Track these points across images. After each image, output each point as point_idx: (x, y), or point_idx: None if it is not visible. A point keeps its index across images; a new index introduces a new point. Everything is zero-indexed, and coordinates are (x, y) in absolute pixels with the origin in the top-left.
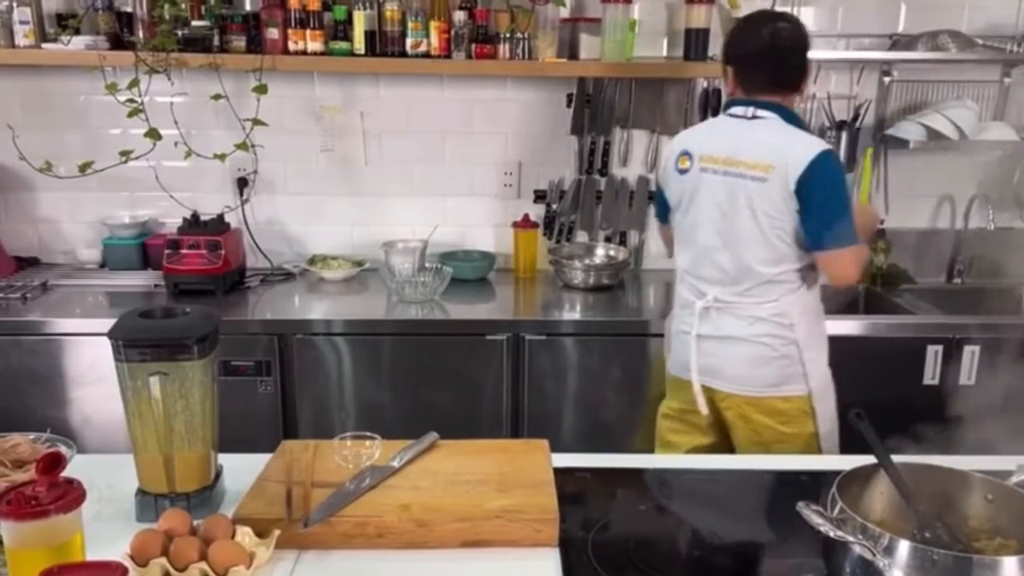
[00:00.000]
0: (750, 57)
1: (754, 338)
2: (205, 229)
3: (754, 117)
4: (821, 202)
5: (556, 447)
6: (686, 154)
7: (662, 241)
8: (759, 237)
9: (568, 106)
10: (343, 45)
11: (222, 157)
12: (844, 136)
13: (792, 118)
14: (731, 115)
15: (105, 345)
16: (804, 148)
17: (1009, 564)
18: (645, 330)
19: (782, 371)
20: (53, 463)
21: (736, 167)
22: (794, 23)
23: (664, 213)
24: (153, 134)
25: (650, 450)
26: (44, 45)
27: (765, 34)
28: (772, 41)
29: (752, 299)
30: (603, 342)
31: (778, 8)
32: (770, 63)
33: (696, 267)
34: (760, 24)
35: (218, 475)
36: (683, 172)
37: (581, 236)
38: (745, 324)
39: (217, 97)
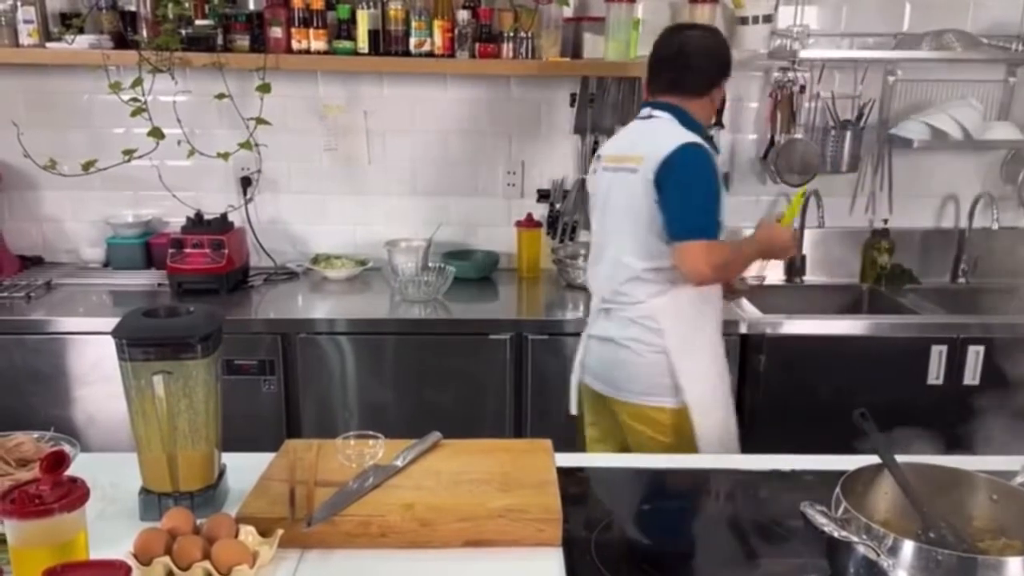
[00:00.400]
0: (657, 62)
1: (623, 341)
2: (209, 228)
3: (649, 116)
4: (675, 191)
5: (559, 447)
6: (597, 157)
7: None
8: (628, 228)
9: (571, 105)
10: (347, 44)
11: (225, 156)
12: (848, 135)
13: (687, 120)
14: (638, 118)
15: (108, 344)
16: (671, 140)
17: (1014, 564)
18: None
19: (650, 380)
20: (57, 462)
21: (620, 162)
22: (709, 33)
23: None
24: (156, 133)
25: None
26: (48, 44)
27: (675, 41)
28: (679, 47)
29: (625, 298)
30: None
31: (781, 7)
32: (674, 67)
33: (596, 266)
34: (674, 32)
35: (221, 474)
36: (593, 172)
37: (584, 235)
38: (618, 326)
39: (221, 96)
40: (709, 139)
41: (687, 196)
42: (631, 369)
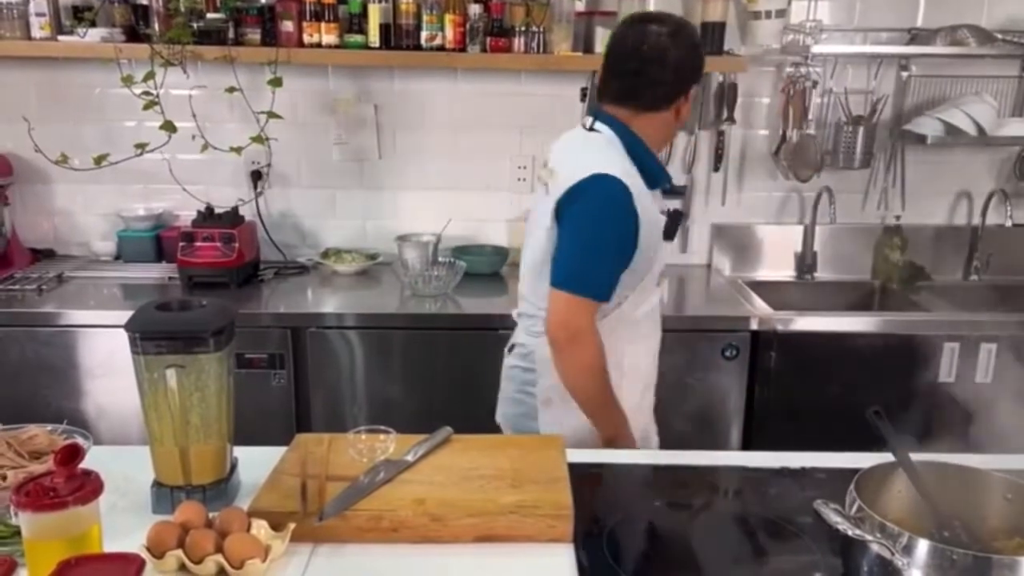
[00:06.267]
0: (608, 63)
1: (507, 370)
2: (219, 222)
3: (591, 129)
4: (569, 228)
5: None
6: (544, 164)
7: None
8: (529, 257)
9: (582, 100)
10: (358, 38)
11: (239, 151)
12: (861, 131)
13: (630, 141)
14: (581, 123)
15: (120, 337)
16: (587, 165)
17: None
18: None
19: (517, 419)
20: (71, 455)
21: (548, 177)
22: (672, 28)
23: None
24: (168, 127)
25: (664, 446)
26: (60, 37)
27: (631, 37)
28: (634, 46)
29: (520, 327)
30: None
31: (794, 2)
32: (625, 71)
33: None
34: (632, 27)
35: (233, 468)
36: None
37: None
38: (508, 352)
39: (232, 90)
40: (658, 168)
41: (578, 237)
42: (506, 402)
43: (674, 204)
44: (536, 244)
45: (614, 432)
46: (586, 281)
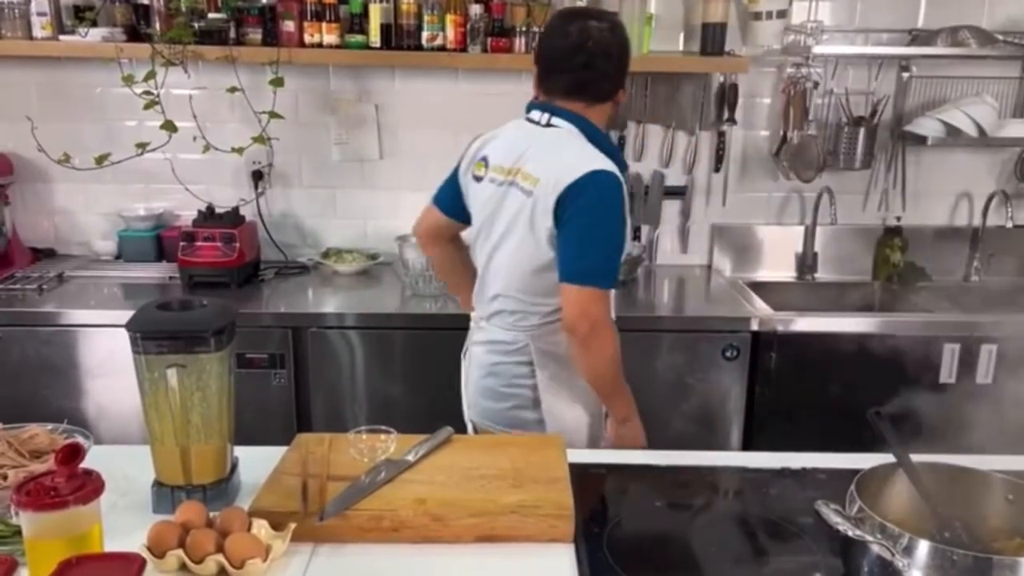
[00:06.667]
0: (553, 57)
1: (490, 367)
2: (220, 222)
3: (548, 124)
4: (577, 226)
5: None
6: (483, 160)
7: (417, 222)
8: (519, 257)
9: None
10: (359, 38)
11: (240, 151)
12: (862, 132)
13: (593, 134)
14: (528, 119)
15: (120, 336)
16: (580, 162)
17: None
18: (659, 326)
19: (513, 412)
20: (72, 454)
21: (515, 177)
22: (611, 24)
23: (442, 198)
24: (169, 126)
25: (664, 446)
26: (61, 37)
27: (573, 32)
28: (579, 41)
29: (497, 325)
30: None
31: (795, 3)
32: (573, 66)
33: (479, 278)
34: (570, 21)
35: (234, 467)
36: (478, 180)
37: None
38: (486, 351)
39: (233, 90)
40: (615, 151)
41: (589, 233)
42: (495, 398)
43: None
44: (524, 244)
45: (628, 412)
46: (600, 273)
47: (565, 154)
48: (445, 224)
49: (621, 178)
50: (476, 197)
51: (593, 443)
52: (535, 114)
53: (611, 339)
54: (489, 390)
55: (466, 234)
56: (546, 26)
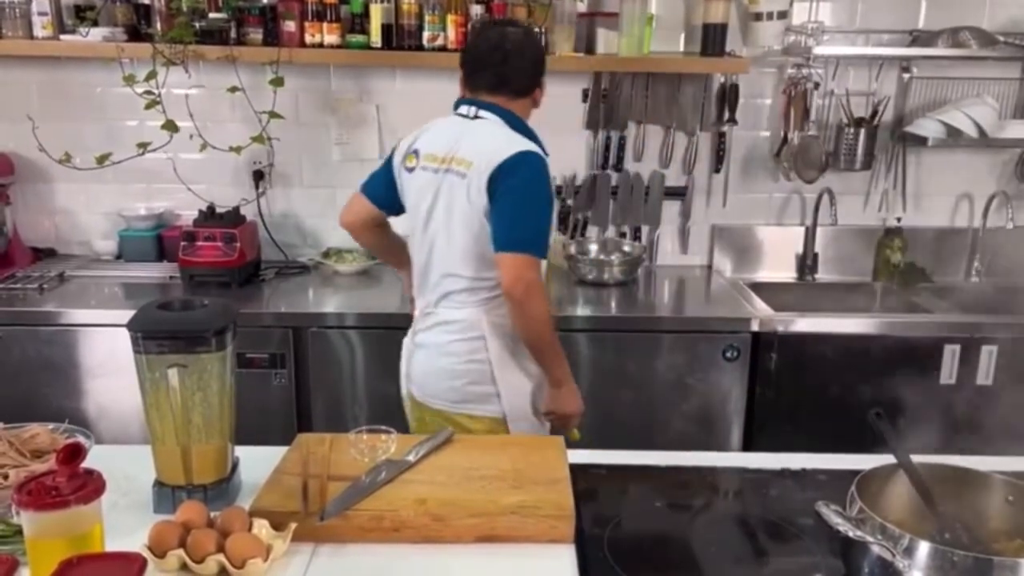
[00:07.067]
0: (476, 58)
1: (445, 348)
2: (221, 221)
3: (476, 116)
4: (508, 200)
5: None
6: (414, 152)
7: (346, 209)
8: (457, 236)
9: (584, 101)
10: (360, 38)
11: (238, 150)
12: (862, 133)
13: (516, 123)
14: (457, 114)
15: (121, 336)
16: (508, 145)
17: None
18: (659, 326)
19: (468, 389)
20: (73, 453)
21: (450, 164)
22: (524, 30)
23: (372, 187)
24: (170, 126)
25: (664, 446)
26: (62, 36)
27: (493, 35)
28: (498, 42)
29: (450, 305)
30: (617, 338)
31: (796, 3)
32: (493, 63)
33: (417, 269)
34: (490, 28)
35: (234, 467)
36: (410, 171)
37: (596, 231)
38: (440, 333)
39: (233, 89)
40: (539, 140)
41: (520, 206)
42: (451, 377)
43: None
44: (463, 222)
45: (563, 376)
46: (531, 242)
47: (495, 139)
48: (375, 214)
49: (546, 159)
50: (409, 187)
51: (539, 412)
52: (463, 109)
53: (544, 302)
54: (443, 370)
55: (404, 228)
56: (469, 33)
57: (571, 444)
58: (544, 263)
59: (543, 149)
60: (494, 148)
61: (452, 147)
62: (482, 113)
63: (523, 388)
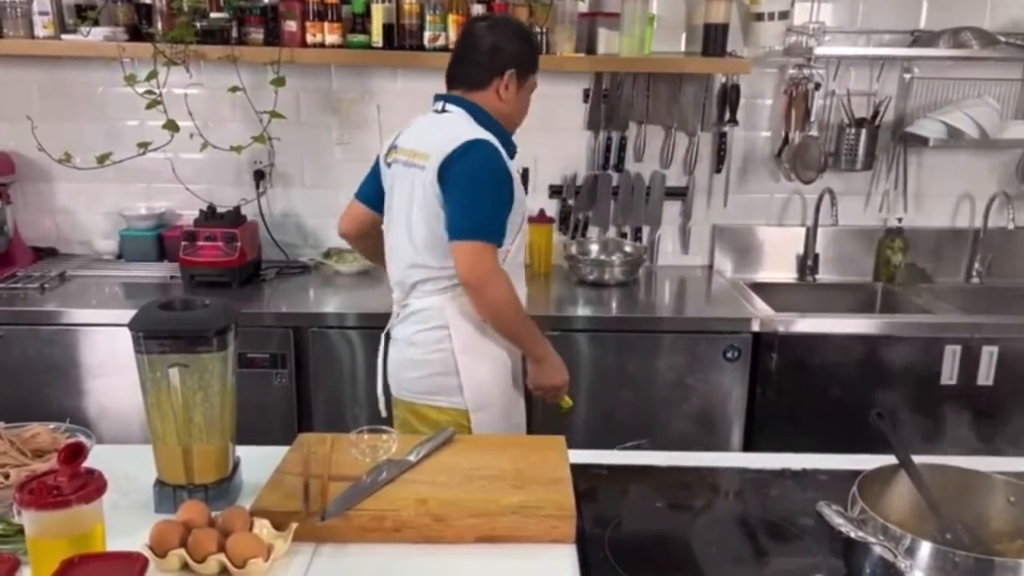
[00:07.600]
0: (453, 53)
1: (411, 339)
2: (222, 221)
3: (443, 111)
4: (457, 188)
5: (571, 443)
6: (394, 147)
7: (343, 217)
8: (419, 227)
9: (585, 101)
10: (361, 38)
11: (238, 149)
12: (863, 133)
13: (480, 116)
14: (433, 109)
15: (121, 336)
16: (459, 135)
17: None
18: (660, 327)
19: (433, 379)
20: (75, 453)
21: (412, 157)
22: (491, 23)
23: (364, 191)
24: (171, 126)
25: (665, 447)
26: (63, 36)
27: (465, 29)
28: (460, 39)
29: (415, 295)
30: (617, 338)
31: (797, 4)
32: (457, 58)
33: (390, 263)
34: (467, 24)
35: (235, 467)
36: (389, 165)
37: (596, 231)
38: (407, 324)
39: (234, 89)
40: (507, 137)
41: (469, 193)
42: (415, 368)
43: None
44: (424, 213)
45: (543, 352)
46: (483, 229)
47: (449, 131)
48: (371, 217)
49: (498, 146)
50: (391, 182)
51: (507, 399)
52: (436, 104)
53: (504, 284)
54: (409, 360)
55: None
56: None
57: (564, 412)
58: (511, 251)
59: (506, 141)
60: (447, 139)
61: (419, 141)
62: (448, 107)
63: (485, 375)
